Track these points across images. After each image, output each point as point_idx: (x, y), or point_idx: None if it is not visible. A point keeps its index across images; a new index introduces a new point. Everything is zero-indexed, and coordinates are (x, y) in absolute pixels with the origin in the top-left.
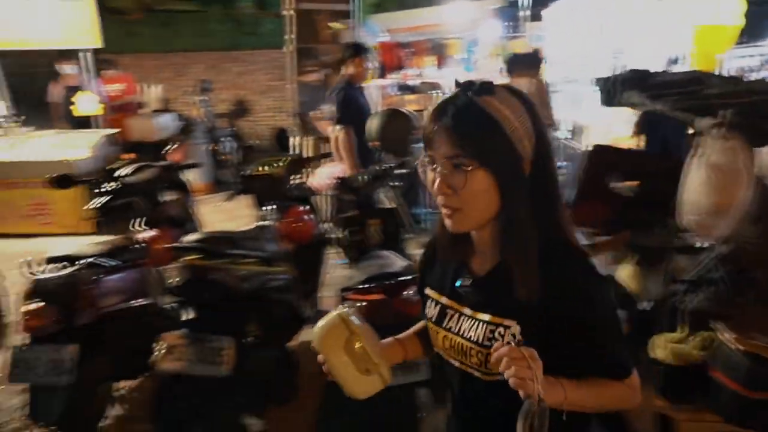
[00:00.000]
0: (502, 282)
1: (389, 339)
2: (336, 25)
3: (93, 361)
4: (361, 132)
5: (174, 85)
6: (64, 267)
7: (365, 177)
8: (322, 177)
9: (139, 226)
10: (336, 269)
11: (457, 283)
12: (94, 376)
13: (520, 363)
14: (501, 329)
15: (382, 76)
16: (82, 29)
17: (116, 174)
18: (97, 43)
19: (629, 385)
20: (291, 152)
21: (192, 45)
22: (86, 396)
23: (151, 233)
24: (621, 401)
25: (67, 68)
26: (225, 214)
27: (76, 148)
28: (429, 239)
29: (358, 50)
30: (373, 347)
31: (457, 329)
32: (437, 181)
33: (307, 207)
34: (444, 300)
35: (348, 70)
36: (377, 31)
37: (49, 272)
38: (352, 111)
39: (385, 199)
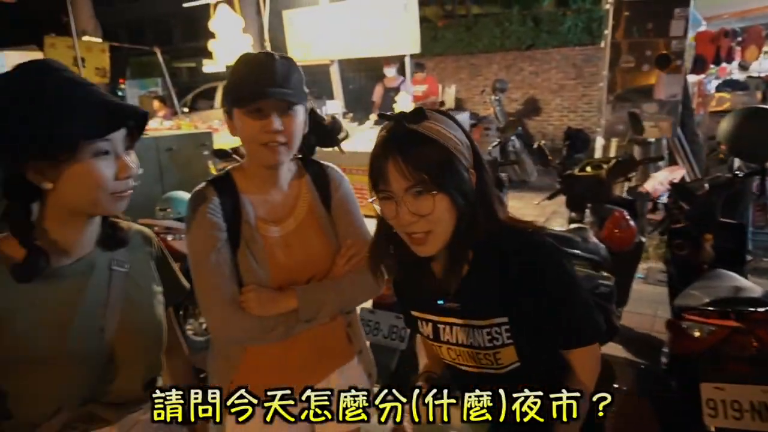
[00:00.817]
0: (477, 286)
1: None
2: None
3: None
4: None
5: (469, 85)
6: None
7: (705, 185)
8: (658, 182)
9: None
10: (637, 283)
11: (440, 302)
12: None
13: None
14: (496, 328)
15: (700, 70)
16: (405, 38)
17: None
18: (417, 49)
19: (596, 350)
20: (586, 154)
21: (490, 46)
22: (412, 362)
23: None
24: (595, 373)
25: (388, 71)
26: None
27: None
28: (393, 266)
29: None
30: None
31: (455, 340)
32: (401, 212)
33: (630, 212)
34: (432, 317)
35: None
36: (699, 20)
37: None
38: None
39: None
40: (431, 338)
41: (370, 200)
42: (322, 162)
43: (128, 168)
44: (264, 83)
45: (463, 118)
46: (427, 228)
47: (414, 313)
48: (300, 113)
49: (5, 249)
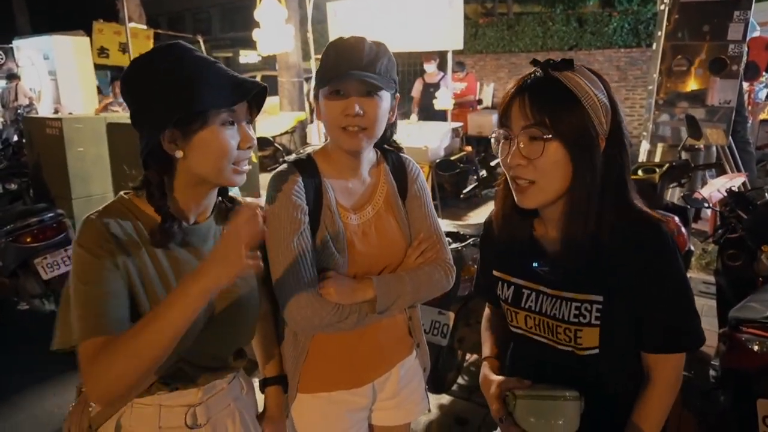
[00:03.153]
0: (579, 258)
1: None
2: None
3: (460, 330)
4: None
5: (508, 84)
6: (451, 242)
7: (766, 194)
8: (715, 188)
9: None
10: None
11: (535, 264)
12: (460, 344)
13: None
14: (587, 305)
15: (751, 77)
16: (449, 33)
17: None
18: (460, 45)
19: (683, 361)
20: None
21: (531, 45)
22: (451, 359)
23: None
24: (677, 388)
25: (428, 67)
26: None
27: (430, 137)
28: (486, 221)
29: None
30: None
31: (538, 308)
32: (512, 152)
33: (681, 219)
34: (517, 280)
35: None
36: (754, 25)
37: None
38: None
39: None
40: (509, 302)
41: (492, 134)
42: (399, 153)
43: (249, 138)
44: (347, 65)
45: None
46: (533, 176)
47: (497, 273)
48: (384, 100)
49: (144, 209)
